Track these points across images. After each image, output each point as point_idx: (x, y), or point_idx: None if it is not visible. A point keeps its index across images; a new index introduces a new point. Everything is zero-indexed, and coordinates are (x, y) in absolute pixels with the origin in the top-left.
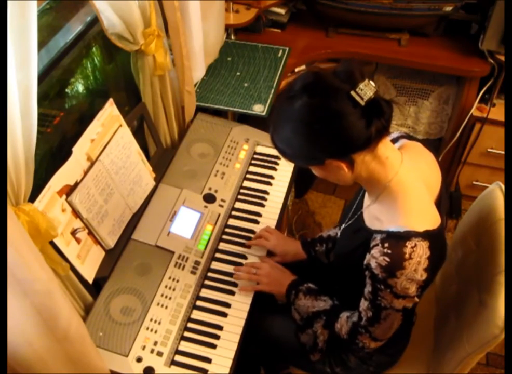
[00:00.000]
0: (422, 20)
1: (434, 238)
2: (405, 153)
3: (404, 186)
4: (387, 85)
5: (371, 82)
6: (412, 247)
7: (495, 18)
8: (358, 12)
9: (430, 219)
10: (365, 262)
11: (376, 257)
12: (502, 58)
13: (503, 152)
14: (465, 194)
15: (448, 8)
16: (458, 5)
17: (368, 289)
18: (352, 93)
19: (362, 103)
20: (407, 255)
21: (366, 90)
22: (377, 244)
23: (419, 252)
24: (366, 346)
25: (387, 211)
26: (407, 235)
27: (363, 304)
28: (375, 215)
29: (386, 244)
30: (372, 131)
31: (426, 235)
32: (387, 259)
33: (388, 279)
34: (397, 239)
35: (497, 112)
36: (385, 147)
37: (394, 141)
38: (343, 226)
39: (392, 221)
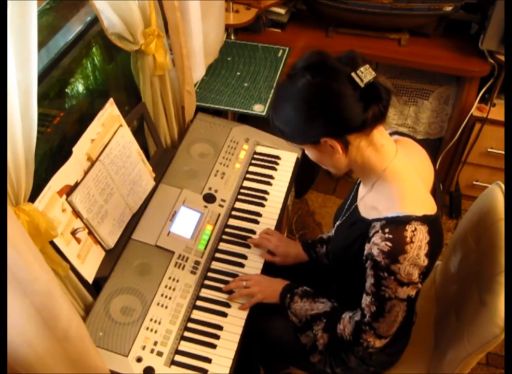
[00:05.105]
0: (422, 20)
1: (432, 223)
2: (399, 147)
3: (399, 174)
4: None
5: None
6: (412, 231)
7: (495, 18)
8: (358, 12)
9: (427, 205)
10: (365, 253)
11: (377, 243)
12: (502, 58)
13: (503, 152)
14: (465, 194)
15: (448, 8)
16: (458, 5)
17: (370, 281)
18: (353, 74)
19: (362, 84)
20: (408, 239)
21: (366, 73)
22: (377, 231)
23: (419, 236)
24: (371, 344)
25: (384, 198)
26: (407, 219)
27: (366, 299)
28: (371, 205)
29: (387, 230)
30: (368, 115)
31: (424, 219)
32: (389, 244)
33: (391, 265)
34: (397, 224)
35: (497, 112)
36: (381, 134)
37: None
38: (337, 223)
39: (390, 207)
